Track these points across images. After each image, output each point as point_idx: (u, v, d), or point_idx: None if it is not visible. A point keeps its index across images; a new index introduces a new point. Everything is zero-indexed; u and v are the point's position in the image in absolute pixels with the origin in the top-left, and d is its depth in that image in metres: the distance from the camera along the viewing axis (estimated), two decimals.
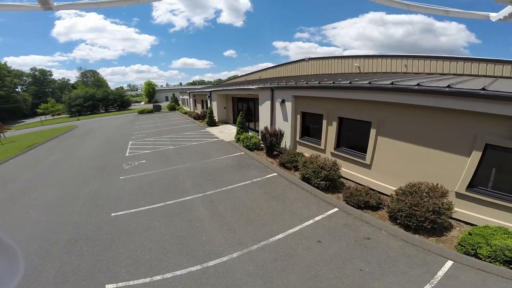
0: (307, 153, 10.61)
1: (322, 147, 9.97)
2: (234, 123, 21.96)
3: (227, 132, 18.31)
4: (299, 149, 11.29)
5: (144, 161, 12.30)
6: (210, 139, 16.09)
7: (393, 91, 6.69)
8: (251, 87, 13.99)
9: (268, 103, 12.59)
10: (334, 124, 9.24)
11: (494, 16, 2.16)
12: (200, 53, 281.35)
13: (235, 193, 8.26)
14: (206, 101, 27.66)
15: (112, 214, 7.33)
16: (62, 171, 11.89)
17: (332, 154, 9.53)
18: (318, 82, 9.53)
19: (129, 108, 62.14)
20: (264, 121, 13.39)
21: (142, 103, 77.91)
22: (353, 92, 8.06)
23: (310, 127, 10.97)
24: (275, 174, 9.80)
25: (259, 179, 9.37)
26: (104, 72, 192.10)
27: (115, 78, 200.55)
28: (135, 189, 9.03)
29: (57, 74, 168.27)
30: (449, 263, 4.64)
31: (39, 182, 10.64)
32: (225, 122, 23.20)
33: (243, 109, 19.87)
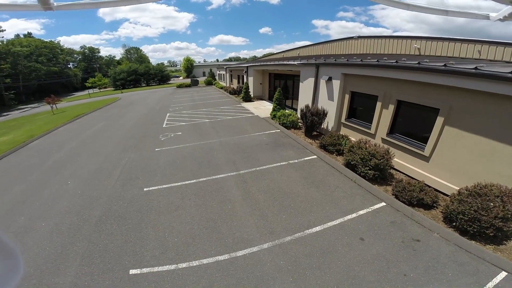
0: (353, 136, 9.57)
1: (372, 131, 8.83)
2: (269, 99, 21.12)
3: (262, 108, 17.60)
4: (343, 131, 10.21)
5: (180, 133, 12.30)
6: (245, 114, 15.58)
7: (477, 77, 5.41)
8: (293, 62, 12.85)
9: (311, 80, 11.47)
10: (391, 107, 8.03)
11: (494, 16, 2.09)
12: (236, 30, 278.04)
13: (270, 175, 7.70)
14: (243, 76, 26.95)
15: (145, 189, 7.26)
16: (103, 141, 12.43)
17: (383, 141, 8.42)
18: (376, 60, 8.16)
19: (169, 82, 64.19)
20: (304, 99, 12.36)
21: (181, 78, 79.94)
22: (422, 74, 6.78)
23: (358, 109, 9.75)
24: (315, 156, 8.99)
25: (296, 161, 8.66)
26: (146, 49, 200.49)
27: (157, 54, 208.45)
28: (170, 163, 8.97)
29: (104, 52, 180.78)
30: (503, 274, 3.99)
31: (81, 151, 11.19)
32: (260, 98, 22.42)
33: (280, 86, 18.81)
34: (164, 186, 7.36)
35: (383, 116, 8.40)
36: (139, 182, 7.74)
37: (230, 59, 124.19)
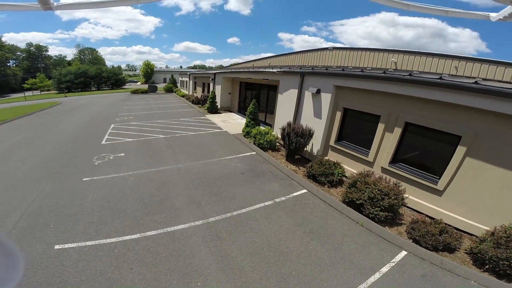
0: (345, 163, 7.92)
1: (369, 158, 7.24)
2: (239, 112, 18.93)
3: (232, 122, 15.27)
4: (332, 156, 8.42)
5: (123, 154, 9.25)
6: (212, 130, 13.04)
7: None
8: (271, 70, 10.90)
9: (293, 92, 9.58)
10: (397, 130, 6.54)
11: (494, 16, 2.05)
12: (203, 38, 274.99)
13: (253, 223, 5.42)
14: (208, 84, 24.45)
15: (57, 247, 4.56)
16: (16, 161, 8.77)
17: (384, 170, 6.91)
18: (383, 72, 6.54)
19: (124, 87, 58.09)
20: (283, 115, 10.41)
21: (139, 83, 73.74)
22: (445, 92, 5.40)
23: (352, 130, 8.06)
24: (305, 191, 6.97)
25: (284, 198, 6.53)
26: (104, 51, 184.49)
27: (115, 57, 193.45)
28: (101, 202, 6.08)
29: (56, 51, 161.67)
30: None
31: None
32: (229, 110, 20.11)
33: (252, 97, 16.77)
34: (89, 243, 4.68)
35: (386, 140, 6.85)
36: (48, 233, 4.95)
37: (195, 67, 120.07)
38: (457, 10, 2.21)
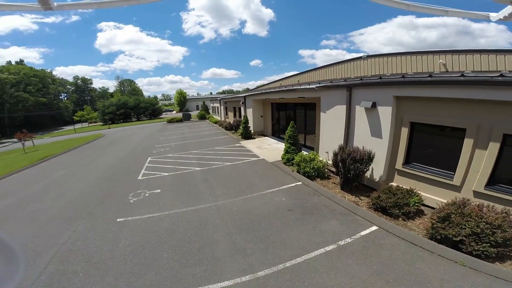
0: (419, 188, 6.28)
1: (455, 182, 5.69)
2: (272, 135, 17.99)
3: (267, 147, 14.28)
4: (400, 181, 6.88)
5: (159, 190, 8.64)
6: (248, 158, 12.13)
7: None
8: (308, 86, 9.87)
9: (339, 109, 8.35)
10: (493, 146, 5.04)
11: (494, 16, 2.08)
12: (228, 63, 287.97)
13: (314, 276, 4.19)
14: (239, 108, 24.19)
15: None
16: (51, 200, 8.63)
17: (477, 195, 5.32)
18: (461, 75, 5.13)
19: (160, 116, 61.56)
20: (329, 135, 9.14)
21: (174, 112, 78.04)
22: None
23: (425, 148, 6.51)
24: (375, 227, 5.55)
25: (349, 239, 5.18)
26: (141, 83, 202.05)
27: (151, 88, 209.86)
28: (134, 249, 5.38)
29: (100, 83, 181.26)
30: None
31: (10, 216, 7.45)
32: (262, 134, 19.29)
33: (286, 119, 15.78)
34: None
35: (477, 159, 5.30)
36: (77, 283, 4.45)
37: (223, 92, 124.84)
38: (457, 10, 2.18)
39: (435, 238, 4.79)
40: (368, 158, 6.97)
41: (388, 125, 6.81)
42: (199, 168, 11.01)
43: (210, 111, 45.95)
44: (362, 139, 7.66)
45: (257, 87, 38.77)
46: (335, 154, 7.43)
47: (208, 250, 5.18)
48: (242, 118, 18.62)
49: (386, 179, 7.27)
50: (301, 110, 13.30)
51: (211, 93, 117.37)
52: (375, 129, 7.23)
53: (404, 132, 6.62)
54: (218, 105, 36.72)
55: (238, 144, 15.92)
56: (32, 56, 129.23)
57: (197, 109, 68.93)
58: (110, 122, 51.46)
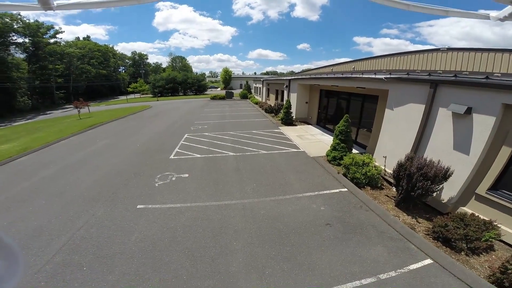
0: (500, 220, 4.74)
1: None
2: (317, 124, 16.28)
3: (310, 138, 12.80)
4: (476, 208, 5.27)
5: (187, 175, 8.05)
6: (286, 149, 10.88)
7: None
8: (373, 76, 8.01)
9: (413, 108, 6.51)
10: None
11: (494, 16, 2.05)
12: (274, 45, 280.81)
13: None
14: (282, 92, 22.63)
15: None
16: (85, 173, 8.61)
17: None
18: None
19: (205, 92, 62.73)
20: (392, 138, 7.39)
21: (219, 89, 79.10)
22: None
23: None
24: (429, 261, 4.28)
25: (393, 274, 4.06)
26: (191, 60, 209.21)
27: (201, 65, 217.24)
28: (145, 244, 4.84)
29: (155, 59, 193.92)
30: None
31: (43, 192, 7.47)
32: (305, 122, 17.67)
33: (337, 108, 13.90)
34: None
35: None
36: (78, 278, 4.10)
37: (267, 73, 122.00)
38: (457, 10, 2.22)
39: (502, 286, 3.53)
40: (442, 176, 5.25)
41: (483, 139, 4.94)
42: (232, 153, 10.19)
43: (252, 91, 44.93)
44: (438, 151, 5.85)
45: (303, 70, 36.23)
46: (400, 165, 5.80)
47: (223, 261, 4.35)
48: (285, 102, 17.16)
49: (456, 201, 5.57)
50: (357, 102, 11.35)
51: (255, 73, 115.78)
52: (461, 141, 5.38)
53: (506, 151, 4.71)
54: (260, 86, 35.40)
55: (277, 130, 14.68)
56: (99, 33, 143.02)
57: (241, 87, 68.56)
58: (159, 95, 54.01)
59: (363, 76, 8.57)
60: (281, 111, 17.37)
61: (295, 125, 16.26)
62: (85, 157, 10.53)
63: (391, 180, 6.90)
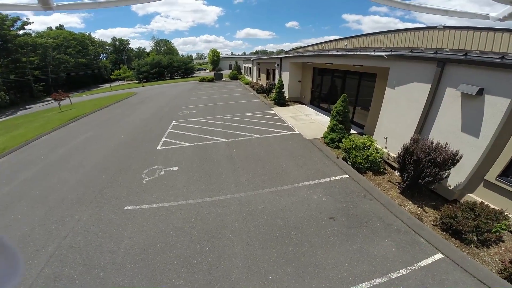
0: (510, 209, 4.45)
1: None
2: (311, 103, 15.77)
3: (305, 118, 12.29)
4: (483, 195, 5.05)
5: (176, 168, 7.52)
6: (281, 131, 10.38)
7: None
8: (373, 53, 7.37)
9: (417, 87, 6.01)
10: None
11: (494, 16, 1.98)
12: (262, 24, 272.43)
13: None
14: (273, 70, 21.72)
15: None
16: (68, 172, 8.02)
17: None
18: None
19: (193, 75, 60.43)
20: (393, 119, 6.97)
21: (207, 70, 76.41)
22: None
23: None
24: (440, 256, 4.04)
25: (404, 272, 3.77)
26: (176, 42, 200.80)
27: (187, 47, 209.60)
28: (136, 252, 4.44)
29: (137, 44, 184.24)
30: None
31: (26, 197, 6.86)
32: (298, 101, 17.08)
33: (331, 87, 13.29)
34: None
35: None
36: None
37: (257, 52, 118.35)
38: (457, 10, 2.19)
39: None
40: (451, 162, 4.90)
41: (495, 121, 4.54)
42: (224, 140, 9.64)
43: (242, 71, 43.42)
44: (445, 132, 5.47)
45: (293, 49, 34.86)
46: (405, 149, 5.40)
47: (222, 268, 3.99)
48: (277, 82, 16.36)
49: (463, 188, 5.29)
50: (353, 80, 10.76)
51: (244, 53, 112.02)
52: (470, 123, 4.98)
53: None
54: (250, 65, 34.04)
55: (270, 112, 14.08)
56: (73, 21, 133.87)
57: (230, 68, 66.40)
58: (144, 80, 51.72)
59: (361, 53, 7.91)
60: (273, 91, 16.65)
61: (288, 105, 15.65)
62: (67, 153, 9.81)
63: (394, 164, 6.57)
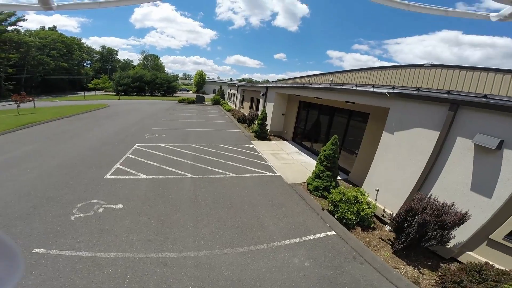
0: None
1: None
2: (293, 140, 14.99)
3: (286, 158, 11.26)
4: (485, 254, 4.29)
5: (121, 206, 5.85)
6: (260, 171, 9.14)
7: None
8: (371, 90, 6.73)
9: (422, 134, 5.25)
10: None
11: (494, 16, 2.02)
12: (252, 53, 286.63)
13: None
14: (258, 100, 21.18)
15: None
16: None
17: None
18: None
19: (175, 94, 59.15)
20: (389, 169, 6.09)
21: (190, 92, 75.85)
22: None
23: None
24: None
25: None
26: (166, 59, 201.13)
27: (175, 66, 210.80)
28: None
29: (127, 56, 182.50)
30: None
31: None
32: (280, 136, 16.29)
33: (316, 124, 12.67)
34: None
35: None
36: None
37: (243, 80, 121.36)
38: (457, 10, 2.17)
39: None
40: (459, 221, 4.01)
41: None
42: (190, 175, 8.13)
43: (226, 97, 43.09)
44: (451, 190, 4.64)
45: (278, 80, 35.40)
46: (408, 209, 4.39)
47: None
48: (260, 112, 15.58)
49: (463, 246, 4.48)
50: (342, 118, 10.14)
51: (231, 79, 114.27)
52: (482, 182, 4.22)
53: None
54: (235, 92, 33.69)
55: (249, 145, 12.94)
56: (71, 25, 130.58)
57: (214, 92, 66.29)
58: (123, 93, 49.43)
59: (358, 89, 7.27)
60: (255, 122, 15.80)
61: (270, 140, 14.71)
62: None
63: (385, 220, 5.58)
